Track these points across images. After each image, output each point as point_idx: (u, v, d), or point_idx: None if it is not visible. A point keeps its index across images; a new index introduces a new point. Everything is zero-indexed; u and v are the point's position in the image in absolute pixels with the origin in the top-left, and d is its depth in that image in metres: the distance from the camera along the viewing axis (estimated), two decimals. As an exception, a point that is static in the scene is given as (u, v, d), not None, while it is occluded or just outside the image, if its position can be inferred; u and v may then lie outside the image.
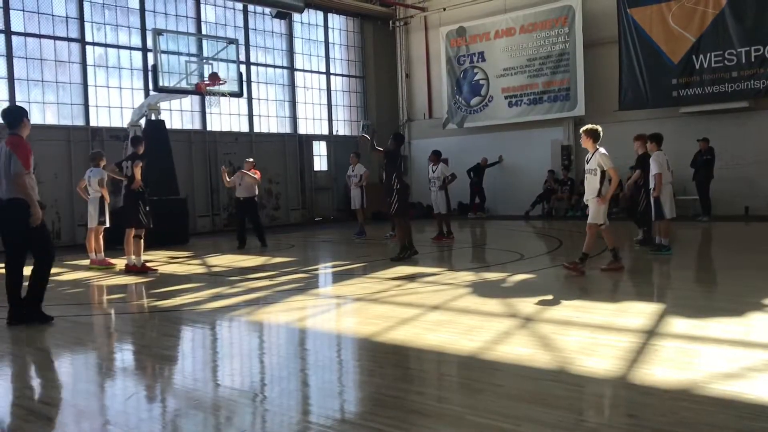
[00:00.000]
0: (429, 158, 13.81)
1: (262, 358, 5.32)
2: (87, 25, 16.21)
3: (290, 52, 20.76)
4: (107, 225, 11.01)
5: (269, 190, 19.67)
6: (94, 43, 16.39)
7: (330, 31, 22.04)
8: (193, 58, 15.10)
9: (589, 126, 8.63)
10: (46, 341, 5.97)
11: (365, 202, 14.75)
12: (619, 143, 18.06)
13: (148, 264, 10.40)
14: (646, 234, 10.85)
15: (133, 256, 10.19)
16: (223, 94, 15.31)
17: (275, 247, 13.62)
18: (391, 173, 10.51)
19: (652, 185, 9.98)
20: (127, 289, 8.99)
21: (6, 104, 14.82)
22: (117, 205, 12.17)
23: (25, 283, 6.49)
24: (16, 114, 6.63)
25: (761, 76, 15.75)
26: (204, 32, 18.02)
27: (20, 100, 15.09)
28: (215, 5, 18.80)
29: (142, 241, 10.28)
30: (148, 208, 10.29)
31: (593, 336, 5.25)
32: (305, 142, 20.94)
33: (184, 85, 14.84)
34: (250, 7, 19.39)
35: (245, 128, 19.53)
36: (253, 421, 3.82)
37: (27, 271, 6.48)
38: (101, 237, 10.97)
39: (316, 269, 10.81)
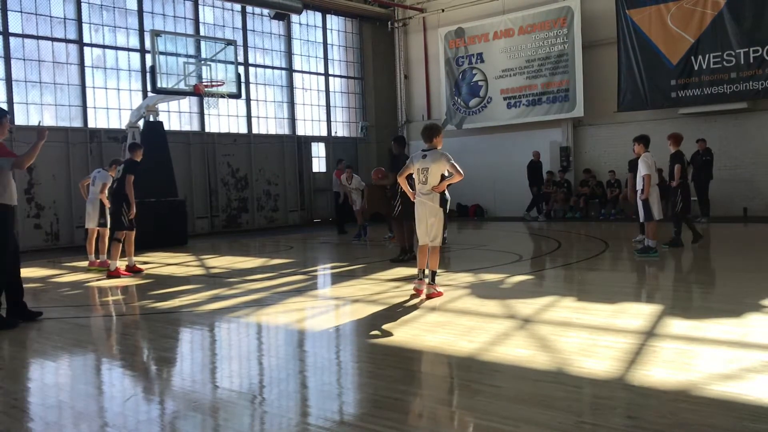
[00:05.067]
0: None
1: (261, 360, 5.31)
2: (85, 27, 16.20)
3: (288, 53, 20.76)
4: (108, 226, 10.97)
5: (268, 192, 19.69)
6: (92, 45, 16.38)
7: (328, 32, 22.04)
8: (192, 60, 15.11)
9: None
10: (44, 343, 5.96)
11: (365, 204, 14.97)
12: (619, 144, 18.28)
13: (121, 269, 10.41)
14: (677, 235, 10.91)
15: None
16: (222, 96, 15.32)
17: (274, 248, 13.64)
18: (396, 176, 10.42)
19: (640, 187, 9.91)
20: (125, 290, 8.98)
21: (4, 106, 14.84)
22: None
23: None
24: None
25: (760, 77, 15.77)
26: (202, 33, 18.02)
27: (18, 101, 15.09)
28: (213, 6, 18.81)
29: (121, 245, 10.25)
30: (131, 211, 10.28)
31: (592, 337, 5.25)
32: (304, 143, 20.94)
33: (182, 86, 14.85)
34: (249, 9, 19.40)
35: (243, 129, 19.52)
36: (252, 423, 3.81)
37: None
38: (105, 239, 10.90)
39: (315, 270, 10.80)
